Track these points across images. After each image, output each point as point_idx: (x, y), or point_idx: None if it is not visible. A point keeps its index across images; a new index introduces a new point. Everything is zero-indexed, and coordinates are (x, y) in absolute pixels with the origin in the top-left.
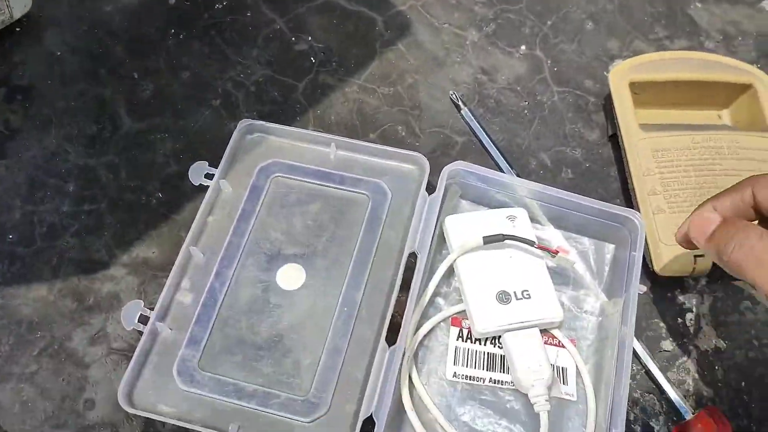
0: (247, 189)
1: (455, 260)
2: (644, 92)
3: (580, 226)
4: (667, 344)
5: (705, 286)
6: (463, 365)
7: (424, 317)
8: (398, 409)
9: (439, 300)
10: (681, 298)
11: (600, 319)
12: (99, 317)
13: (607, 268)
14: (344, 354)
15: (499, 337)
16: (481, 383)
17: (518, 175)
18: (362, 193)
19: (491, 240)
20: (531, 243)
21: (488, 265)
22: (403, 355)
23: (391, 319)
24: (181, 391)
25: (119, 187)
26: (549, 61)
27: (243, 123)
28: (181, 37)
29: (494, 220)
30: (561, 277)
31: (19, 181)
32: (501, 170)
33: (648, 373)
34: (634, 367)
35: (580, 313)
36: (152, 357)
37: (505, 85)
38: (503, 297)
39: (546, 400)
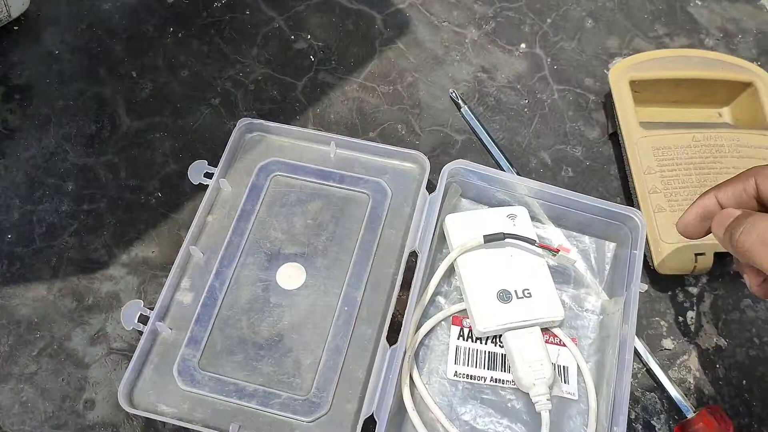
0: (247, 188)
1: (456, 259)
2: (644, 90)
3: (581, 225)
4: (668, 342)
5: (706, 284)
6: (464, 364)
7: (424, 316)
8: (399, 409)
9: (440, 299)
10: (682, 296)
11: (601, 317)
12: (99, 317)
13: (607, 267)
14: (345, 353)
15: (500, 336)
16: (482, 382)
17: (518, 174)
18: (362, 192)
19: (492, 239)
20: (532, 242)
21: (489, 263)
22: (404, 354)
23: (391, 318)
24: (182, 391)
25: (118, 187)
26: (549, 59)
27: (242, 122)
28: (180, 35)
29: (495, 219)
30: (562, 275)
31: (18, 181)
32: (501, 169)
33: (649, 371)
34: (635, 366)
35: (581, 311)
36: (152, 357)
37: (505, 84)
38: (504, 296)
39: (547, 399)
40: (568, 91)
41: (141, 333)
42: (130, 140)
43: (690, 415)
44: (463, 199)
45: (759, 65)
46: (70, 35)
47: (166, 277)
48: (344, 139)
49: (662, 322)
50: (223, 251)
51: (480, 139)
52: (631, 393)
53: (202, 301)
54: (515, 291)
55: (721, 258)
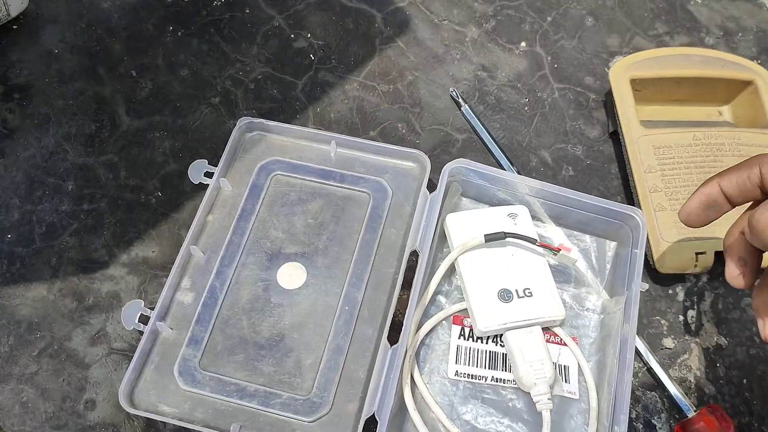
0: (247, 187)
1: (456, 258)
2: (645, 89)
3: (582, 224)
4: (669, 341)
5: (706, 283)
6: (464, 364)
7: (425, 316)
8: (400, 408)
9: (441, 298)
10: (682, 295)
11: (602, 316)
12: (99, 317)
13: (608, 266)
14: (346, 353)
15: (501, 335)
16: (483, 382)
17: (519, 173)
18: (363, 191)
19: (492, 238)
20: (533, 241)
21: (490, 263)
22: (405, 353)
23: (392, 318)
24: (183, 391)
25: (118, 186)
26: (549, 58)
27: (242, 121)
28: (180, 34)
29: (495, 218)
30: (563, 274)
31: (18, 181)
32: (502, 168)
33: (650, 370)
34: (636, 365)
35: (581, 310)
36: (153, 357)
37: (505, 82)
38: (505, 295)
39: (548, 399)
40: (569, 89)
41: (142, 333)
42: (130, 140)
43: (691, 414)
44: (463, 199)
45: (759, 63)
46: (70, 34)
47: (167, 276)
48: (345, 138)
49: (663, 321)
50: (224, 251)
51: (480, 138)
52: (632, 392)
53: (202, 301)
54: (516, 290)
55: (721, 257)
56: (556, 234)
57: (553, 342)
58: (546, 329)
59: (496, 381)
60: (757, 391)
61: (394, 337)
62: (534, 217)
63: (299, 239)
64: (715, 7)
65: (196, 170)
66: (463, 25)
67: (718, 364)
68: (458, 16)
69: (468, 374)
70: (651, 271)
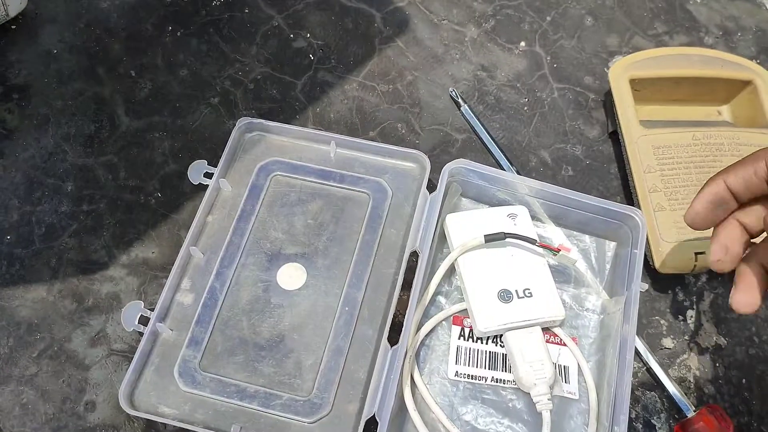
0: (247, 188)
1: (456, 259)
2: (644, 88)
3: (582, 224)
4: (668, 341)
5: (705, 283)
6: (464, 364)
7: (425, 316)
8: (400, 409)
9: (441, 299)
10: (681, 295)
11: (601, 316)
12: (99, 318)
13: (608, 266)
14: (346, 354)
15: (501, 335)
16: (483, 382)
17: (518, 173)
18: (363, 192)
19: (492, 238)
20: (532, 241)
21: (489, 263)
22: (405, 354)
23: (392, 318)
24: (183, 393)
25: (118, 187)
26: (548, 58)
27: (242, 121)
28: (179, 34)
29: (495, 218)
30: (562, 275)
31: (17, 182)
32: (501, 168)
33: (649, 370)
34: (636, 365)
35: (581, 311)
36: (153, 358)
37: (504, 82)
38: (505, 295)
39: (548, 399)
40: (568, 89)
41: (141, 334)
42: (130, 140)
43: (690, 414)
44: (463, 199)
45: (758, 63)
46: (69, 34)
47: (167, 277)
48: (344, 138)
49: (662, 321)
50: (224, 252)
51: (480, 138)
52: (632, 392)
53: (202, 302)
54: (516, 291)
55: None
56: (555, 234)
57: (552, 342)
58: (546, 329)
59: (496, 381)
60: (756, 390)
61: (394, 338)
62: (534, 218)
63: (299, 240)
64: (715, 7)
65: (196, 171)
66: (462, 25)
67: (717, 364)
68: (457, 15)
69: (468, 375)
70: (650, 271)
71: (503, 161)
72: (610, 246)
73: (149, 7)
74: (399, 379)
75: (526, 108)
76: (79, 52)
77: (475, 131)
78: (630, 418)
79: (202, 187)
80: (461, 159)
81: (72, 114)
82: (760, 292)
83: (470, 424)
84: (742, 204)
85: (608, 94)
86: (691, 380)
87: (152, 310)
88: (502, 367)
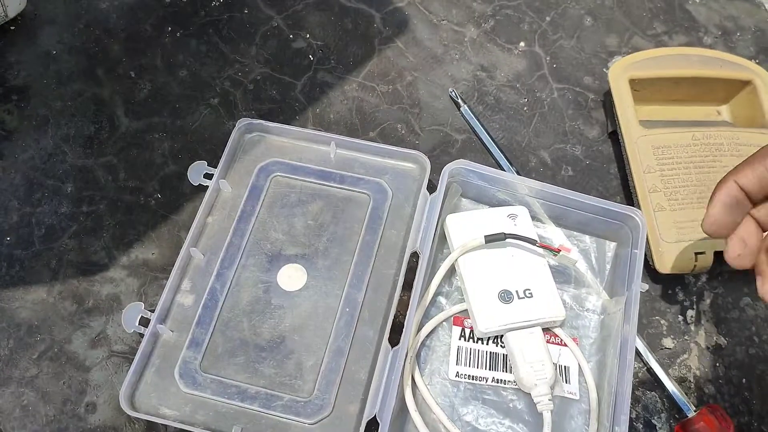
0: (247, 189)
1: (457, 259)
2: (644, 89)
3: (582, 224)
4: (669, 341)
5: (705, 283)
6: (465, 365)
7: (426, 317)
8: (401, 410)
9: (441, 299)
10: (682, 295)
11: (602, 317)
12: (99, 320)
13: (608, 266)
14: (347, 355)
15: (502, 336)
16: (483, 383)
17: (518, 173)
18: (363, 193)
19: (493, 239)
20: (533, 242)
21: (490, 264)
22: (406, 355)
23: (393, 319)
24: (183, 394)
25: (118, 188)
26: (548, 58)
27: (242, 122)
28: (178, 35)
29: (495, 219)
30: (563, 275)
31: (17, 183)
32: (501, 168)
33: (649, 370)
34: (636, 365)
35: (582, 311)
36: (153, 359)
37: (504, 82)
38: (505, 296)
39: (549, 400)
40: (568, 89)
41: (142, 336)
42: (129, 141)
43: (691, 414)
44: (463, 199)
45: (757, 63)
46: (68, 35)
47: (167, 279)
48: (344, 139)
49: (662, 321)
50: (224, 253)
51: (480, 139)
52: (632, 392)
53: (203, 303)
54: (516, 291)
55: (720, 256)
56: (555, 234)
57: (553, 343)
58: (546, 330)
59: (497, 382)
60: (757, 390)
61: (394, 339)
62: (534, 218)
63: (299, 241)
64: (714, 7)
65: (196, 172)
66: (461, 25)
67: (717, 364)
68: (457, 16)
69: (469, 375)
70: (651, 271)
71: (503, 162)
72: (611, 246)
73: (148, 8)
74: (400, 380)
75: (525, 108)
76: (79, 53)
77: (474, 131)
78: (630, 418)
79: (202, 188)
80: (461, 159)
81: (71, 115)
82: None
83: (471, 424)
84: (754, 203)
85: (608, 94)
86: (692, 380)
87: (153, 311)
88: (503, 367)
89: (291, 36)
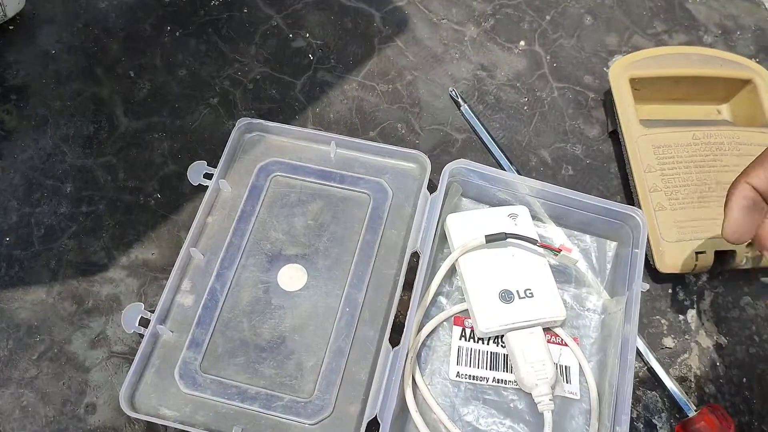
0: (247, 189)
1: (457, 259)
2: (644, 88)
3: (582, 224)
4: (669, 341)
5: (706, 283)
6: (466, 365)
7: (426, 317)
8: (402, 410)
9: (442, 299)
10: (682, 294)
11: (602, 316)
12: (99, 320)
13: (609, 266)
14: (347, 355)
15: (502, 336)
16: (484, 383)
17: (519, 173)
18: (363, 192)
19: (493, 239)
20: (533, 241)
21: (490, 263)
22: (407, 355)
23: (393, 319)
24: (183, 394)
25: (117, 188)
26: (548, 57)
27: (241, 122)
28: (178, 34)
29: (496, 218)
30: (563, 275)
31: (16, 183)
32: (501, 167)
33: (650, 370)
34: (636, 365)
35: (582, 311)
36: (153, 360)
37: (504, 82)
38: (506, 296)
39: (550, 400)
40: (568, 88)
41: (142, 336)
42: (129, 141)
43: (691, 413)
44: (464, 199)
45: (757, 62)
46: (67, 34)
47: (167, 279)
48: (344, 138)
49: (663, 321)
50: (224, 253)
51: (480, 138)
52: (633, 391)
53: (203, 304)
54: (517, 291)
55: (721, 256)
56: (556, 234)
57: (554, 342)
58: (547, 330)
59: (498, 382)
60: (757, 390)
61: (395, 339)
62: (534, 218)
63: (299, 241)
64: (714, 6)
65: (195, 171)
66: (461, 24)
67: (718, 363)
68: (457, 15)
69: (469, 375)
70: (651, 270)
71: (503, 161)
72: (611, 246)
73: (147, 7)
74: (400, 380)
75: (525, 107)
76: (78, 53)
77: (475, 131)
78: (631, 417)
79: (202, 188)
80: (461, 159)
81: (71, 115)
82: None
83: (472, 424)
84: None
85: (608, 94)
86: (692, 379)
87: (152, 311)
88: (504, 367)
89: (291, 35)
